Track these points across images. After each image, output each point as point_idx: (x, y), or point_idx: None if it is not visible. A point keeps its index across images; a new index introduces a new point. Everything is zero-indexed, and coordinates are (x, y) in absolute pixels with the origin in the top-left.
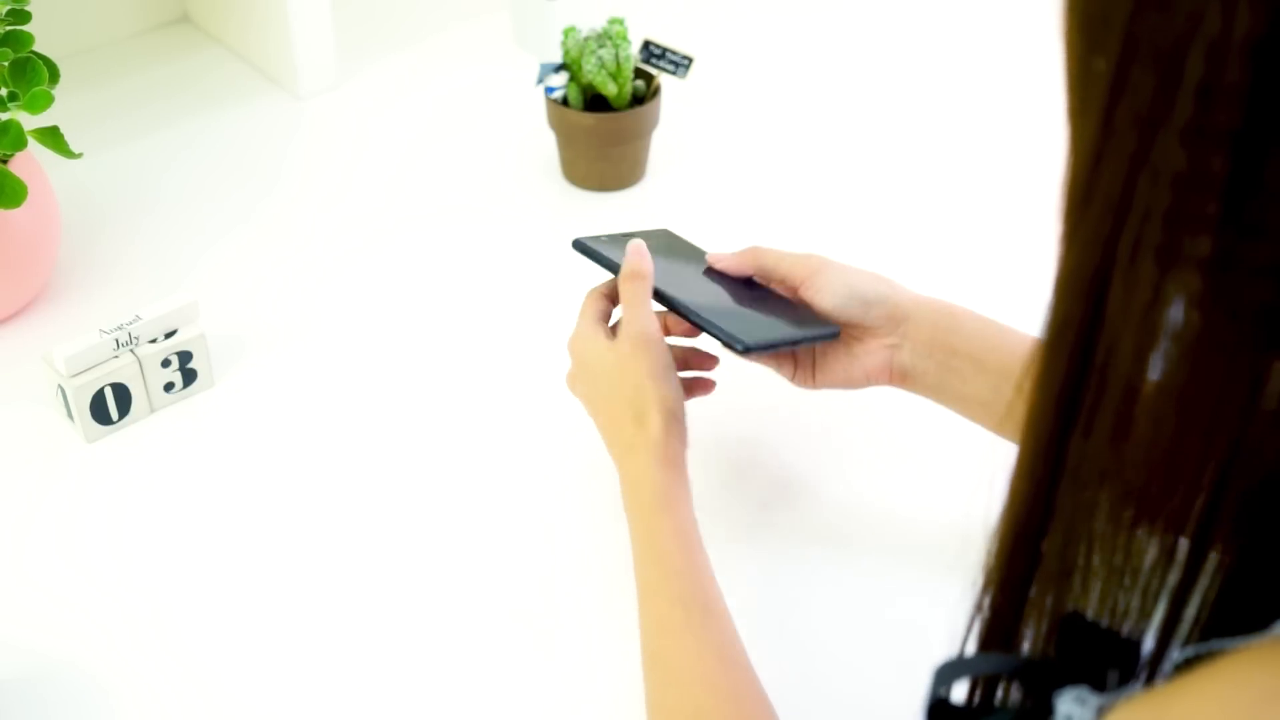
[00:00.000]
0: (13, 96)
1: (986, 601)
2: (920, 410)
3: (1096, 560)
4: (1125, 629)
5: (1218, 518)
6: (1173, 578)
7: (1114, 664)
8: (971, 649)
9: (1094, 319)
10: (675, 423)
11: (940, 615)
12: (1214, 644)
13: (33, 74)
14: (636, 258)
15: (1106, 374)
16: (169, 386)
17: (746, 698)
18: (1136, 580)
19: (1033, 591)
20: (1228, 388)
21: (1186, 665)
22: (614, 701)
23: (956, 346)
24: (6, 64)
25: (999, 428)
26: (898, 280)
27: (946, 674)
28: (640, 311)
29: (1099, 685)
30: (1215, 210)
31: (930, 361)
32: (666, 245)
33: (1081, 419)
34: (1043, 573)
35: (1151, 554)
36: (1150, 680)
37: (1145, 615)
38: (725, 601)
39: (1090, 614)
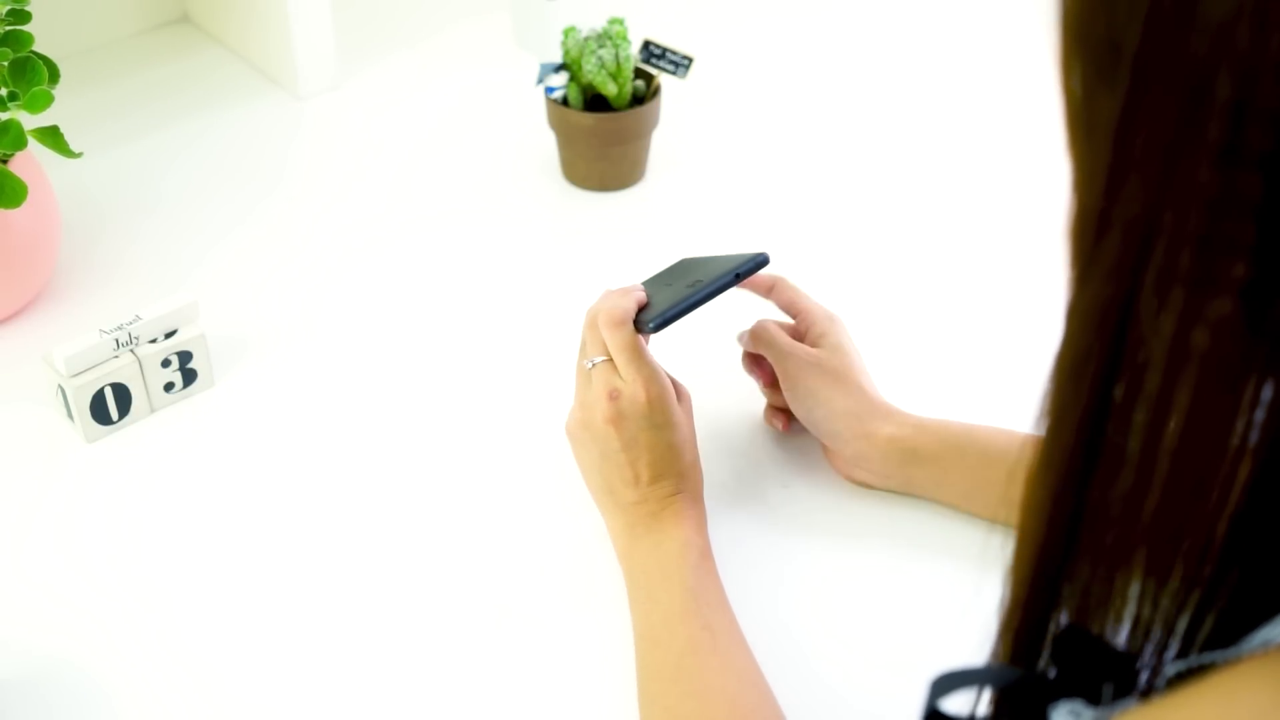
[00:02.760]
0: (13, 96)
1: (1001, 646)
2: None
3: (1121, 593)
4: (1142, 651)
5: (1242, 540)
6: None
7: (1109, 677)
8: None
9: (1115, 349)
10: (697, 462)
11: (949, 624)
12: (1205, 657)
13: (33, 74)
14: (612, 300)
15: (1132, 404)
16: (169, 386)
17: (764, 715)
18: (1159, 608)
19: (1051, 625)
20: (1255, 412)
21: (1179, 678)
22: (610, 700)
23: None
24: (6, 64)
25: (986, 513)
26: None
27: (942, 686)
28: (633, 367)
29: (1094, 699)
30: (1251, 234)
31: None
32: (677, 271)
33: (1106, 452)
34: (1066, 610)
35: (1175, 580)
36: (1145, 694)
37: (1165, 639)
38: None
39: (1113, 640)
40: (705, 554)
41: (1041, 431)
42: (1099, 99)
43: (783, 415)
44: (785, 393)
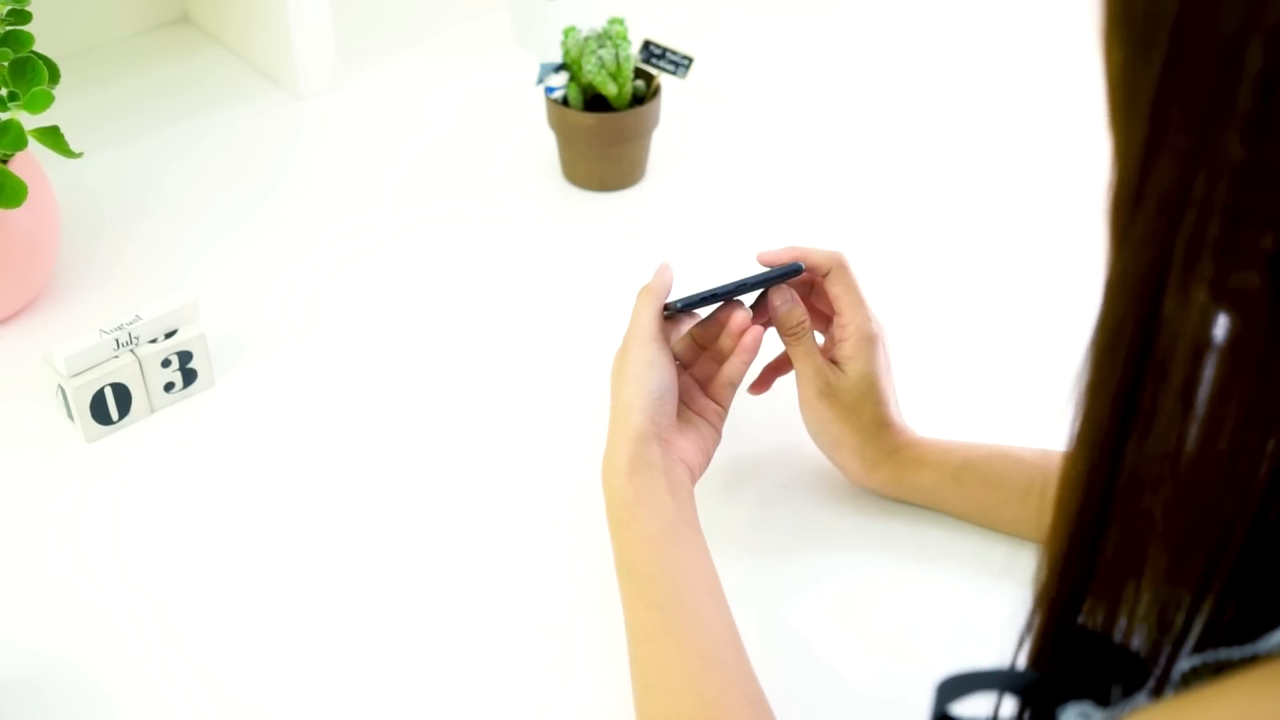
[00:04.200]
0: (13, 96)
1: (1038, 618)
2: (952, 413)
3: (1152, 570)
4: (1164, 642)
5: (1271, 523)
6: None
7: (1118, 678)
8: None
9: (1149, 319)
10: (640, 429)
11: (975, 616)
12: (1221, 653)
13: (33, 74)
14: (657, 276)
15: (1165, 374)
16: (169, 386)
17: (731, 700)
18: (1187, 590)
19: (1086, 604)
20: None
21: (1194, 674)
22: (610, 701)
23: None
24: (6, 64)
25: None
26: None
27: (949, 689)
28: (638, 314)
29: (1103, 700)
30: (1278, 204)
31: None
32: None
33: (1139, 422)
34: (1098, 584)
35: (1201, 561)
36: (1157, 691)
37: (1188, 626)
38: (711, 598)
39: (1136, 627)
40: (627, 522)
41: (1077, 403)
42: (1138, 72)
43: (765, 384)
44: (799, 401)
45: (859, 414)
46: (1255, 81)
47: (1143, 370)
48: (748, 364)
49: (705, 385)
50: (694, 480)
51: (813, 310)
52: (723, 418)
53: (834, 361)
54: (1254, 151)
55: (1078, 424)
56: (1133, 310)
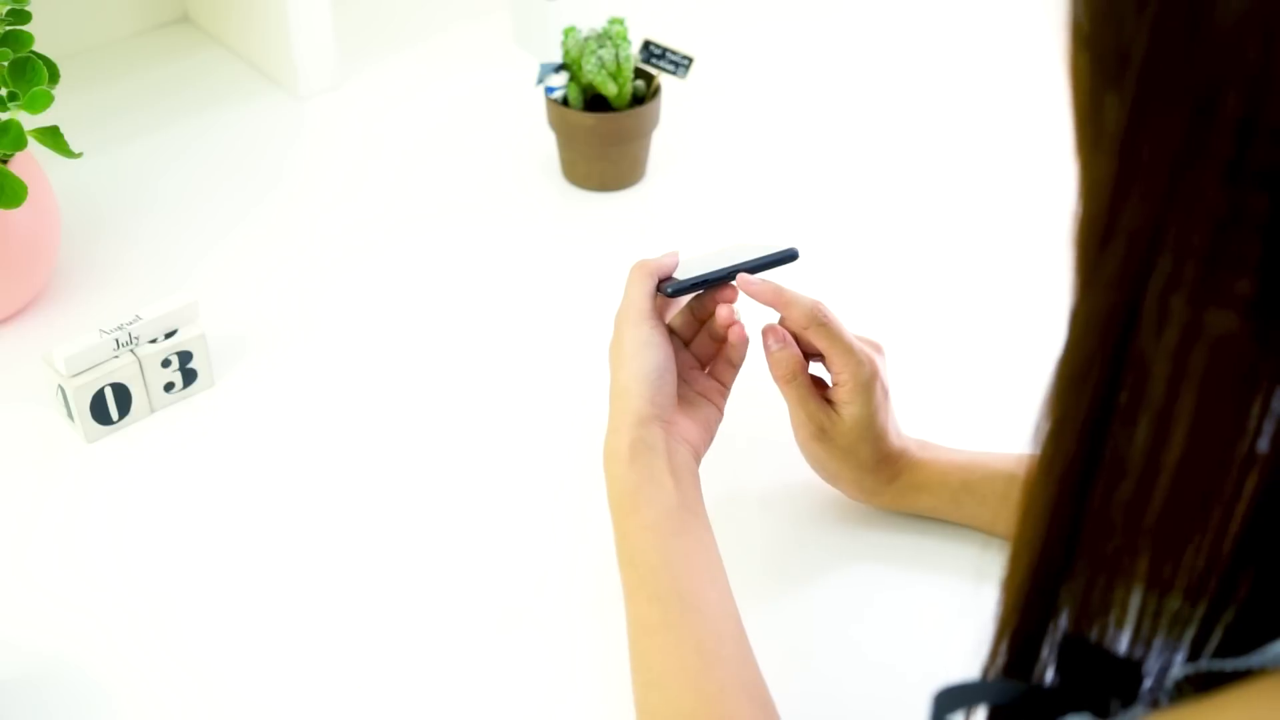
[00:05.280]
0: (13, 96)
1: (996, 656)
2: (937, 419)
3: (1121, 603)
4: (1153, 654)
5: (1252, 551)
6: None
7: (1115, 689)
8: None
9: (1118, 358)
10: (640, 411)
11: (974, 624)
12: (1215, 663)
13: (33, 74)
14: (656, 256)
15: (1135, 414)
16: (169, 386)
17: (731, 697)
18: (1161, 620)
19: (1049, 634)
20: (1263, 424)
21: (1187, 683)
22: (611, 696)
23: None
24: (6, 64)
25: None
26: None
27: (945, 701)
28: (630, 291)
29: (1101, 711)
30: (1257, 251)
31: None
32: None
33: (1107, 461)
34: (1064, 618)
35: (1178, 591)
36: (1151, 702)
37: (1170, 649)
38: (714, 589)
39: (1125, 638)
40: (629, 510)
41: (1041, 437)
42: (1106, 107)
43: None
44: (796, 441)
45: (856, 453)
46: (1231, 126)
47: (1110, 409)
48: (743, 353)
49: (706, 363)
50: (698, 459)
51: (806, 346)
52: (725, 395)
53: (831, 400)
54: (1233, 197)
55: (1041, 459)
56: (1101, 349)
